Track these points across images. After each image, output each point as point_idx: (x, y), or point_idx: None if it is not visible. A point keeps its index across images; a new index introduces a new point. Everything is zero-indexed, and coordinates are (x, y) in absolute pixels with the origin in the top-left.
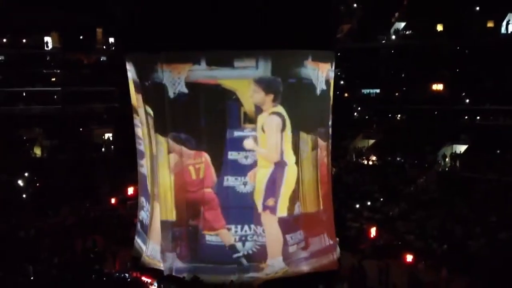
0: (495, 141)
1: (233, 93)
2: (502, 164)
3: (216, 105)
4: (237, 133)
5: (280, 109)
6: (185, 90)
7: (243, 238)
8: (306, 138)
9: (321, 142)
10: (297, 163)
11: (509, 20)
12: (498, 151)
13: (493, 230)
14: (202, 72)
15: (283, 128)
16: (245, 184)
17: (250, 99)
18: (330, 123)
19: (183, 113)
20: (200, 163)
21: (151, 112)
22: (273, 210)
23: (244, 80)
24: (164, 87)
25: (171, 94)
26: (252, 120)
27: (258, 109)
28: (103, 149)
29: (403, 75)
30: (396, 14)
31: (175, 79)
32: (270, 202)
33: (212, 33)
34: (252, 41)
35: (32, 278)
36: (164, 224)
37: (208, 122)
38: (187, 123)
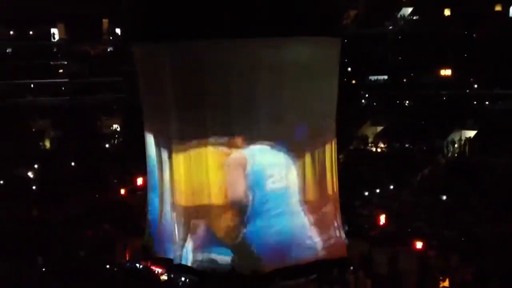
0: (504, 125)
1: None
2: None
3: None
4: None
5: None
6: None
7: None
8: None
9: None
10: None
11: None
12: (507, 136)
13: (503, 216)
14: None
15: None
16: None
17: None
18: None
19: None
20: None
21: None
22: None
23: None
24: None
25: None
26: None
27: None
28: (111, 140)
29: (410, 61)
30: None
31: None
32: None
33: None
34: (255, 29)
35: (43, 269)
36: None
37: None
38: None
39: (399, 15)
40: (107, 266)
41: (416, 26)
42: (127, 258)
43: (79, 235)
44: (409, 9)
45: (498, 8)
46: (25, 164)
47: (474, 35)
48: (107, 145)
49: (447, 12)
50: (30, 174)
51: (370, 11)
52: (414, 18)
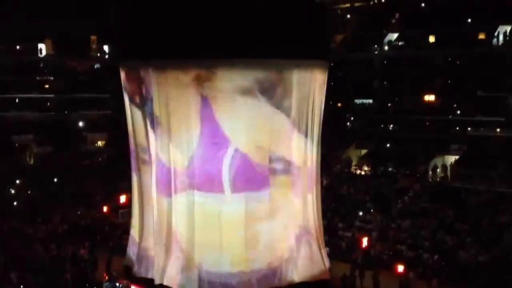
0: (486, 152)
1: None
2: (493, 175)
3: None
4: None
5: None
6: None
7: None
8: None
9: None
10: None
11: (499, 32)
12: (489, 162)
13: (484, 240)
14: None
15: None
16: None
17: None
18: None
19: None
20: None
21: None
22: None
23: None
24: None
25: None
26: None
27: None
28: (96, 157)
29: (395, 86)
30: (390, 24)
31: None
32: None
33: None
34: (242, 49)
35: (21, 286)
36: None
37: None
38: None
39: (385, 41)
40: (86, 285)
41: (401, 51)
42: (108, 277)
43: (61, 252)
44: (395, 35)
45: (481, 36)
46: (8, 180)
47: (458, 62)
48: (91, 162)
49: (431, 38)
50: (12, 190)
51: (356, 35)
52: (400, 43)
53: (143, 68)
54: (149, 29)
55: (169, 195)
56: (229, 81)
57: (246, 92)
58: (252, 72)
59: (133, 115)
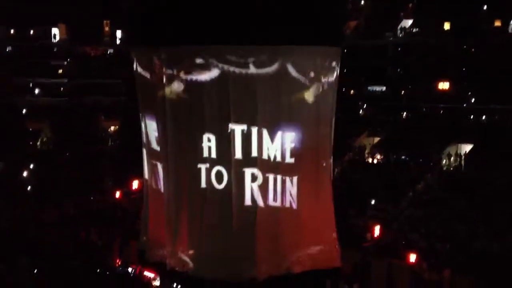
0: (501, 140)
1: None
2: (508, 164)
3: None
4: None
5: None
6: None
7: None
8: None
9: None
10: None
11: None
12: (504, 151)
13: (498, 230)
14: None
15: None
16: None
17: None
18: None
19: None
20: None
21: None
22: None
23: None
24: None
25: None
26: None
27: None
28: (109, 142)
29: (409, 73)
30: (404, 12)
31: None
32: None
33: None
34: (254, 36)
35: (34, 270)
36: None
37: None
38: None
39: (399, 27)
40: (98, 270)
41: (415, 38)
42: (121, 263)
43: (72, 237)
44: (409, 21)
45: (497, 23)
46: (21, 164)
47: (473, 49)
48: (103, 147)
49: (447, 25)
50: (25, 174)
51: (370, 22)
52: (414, 30)
53: (155, 54)
54: (160, 14)
55: None
56: None
57: (256, 77)
58: (266, 58)
59: None
